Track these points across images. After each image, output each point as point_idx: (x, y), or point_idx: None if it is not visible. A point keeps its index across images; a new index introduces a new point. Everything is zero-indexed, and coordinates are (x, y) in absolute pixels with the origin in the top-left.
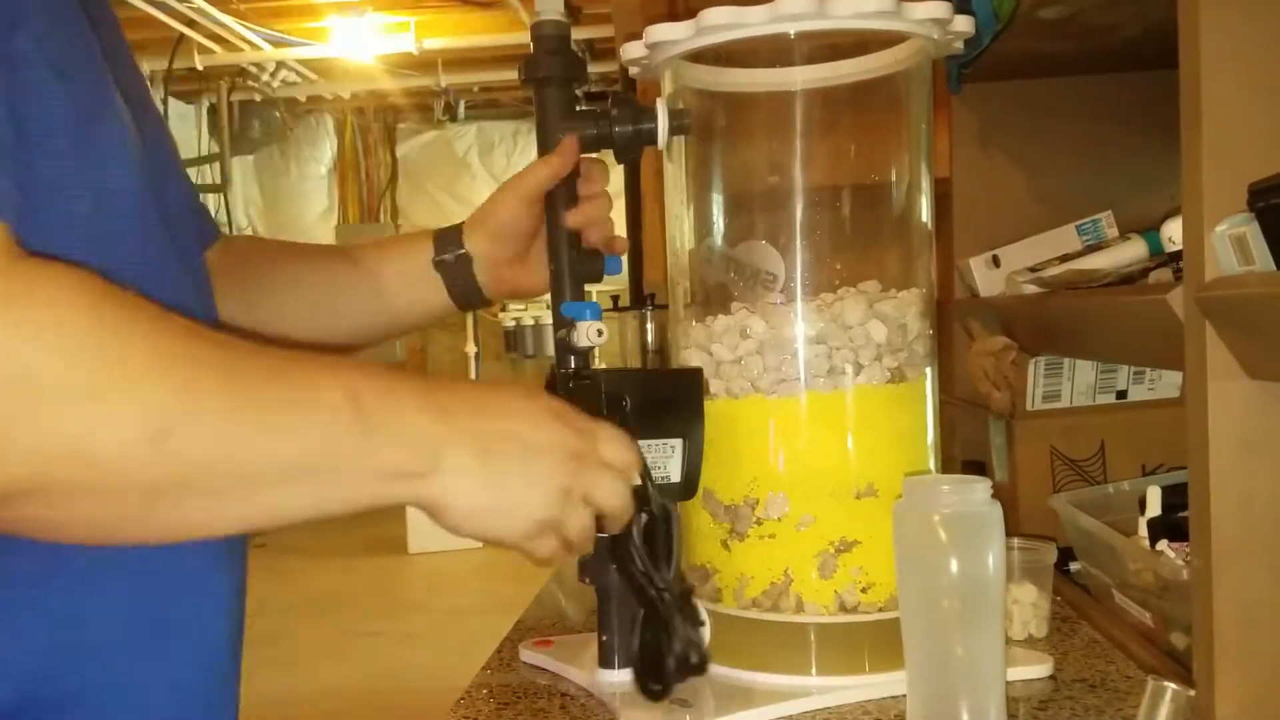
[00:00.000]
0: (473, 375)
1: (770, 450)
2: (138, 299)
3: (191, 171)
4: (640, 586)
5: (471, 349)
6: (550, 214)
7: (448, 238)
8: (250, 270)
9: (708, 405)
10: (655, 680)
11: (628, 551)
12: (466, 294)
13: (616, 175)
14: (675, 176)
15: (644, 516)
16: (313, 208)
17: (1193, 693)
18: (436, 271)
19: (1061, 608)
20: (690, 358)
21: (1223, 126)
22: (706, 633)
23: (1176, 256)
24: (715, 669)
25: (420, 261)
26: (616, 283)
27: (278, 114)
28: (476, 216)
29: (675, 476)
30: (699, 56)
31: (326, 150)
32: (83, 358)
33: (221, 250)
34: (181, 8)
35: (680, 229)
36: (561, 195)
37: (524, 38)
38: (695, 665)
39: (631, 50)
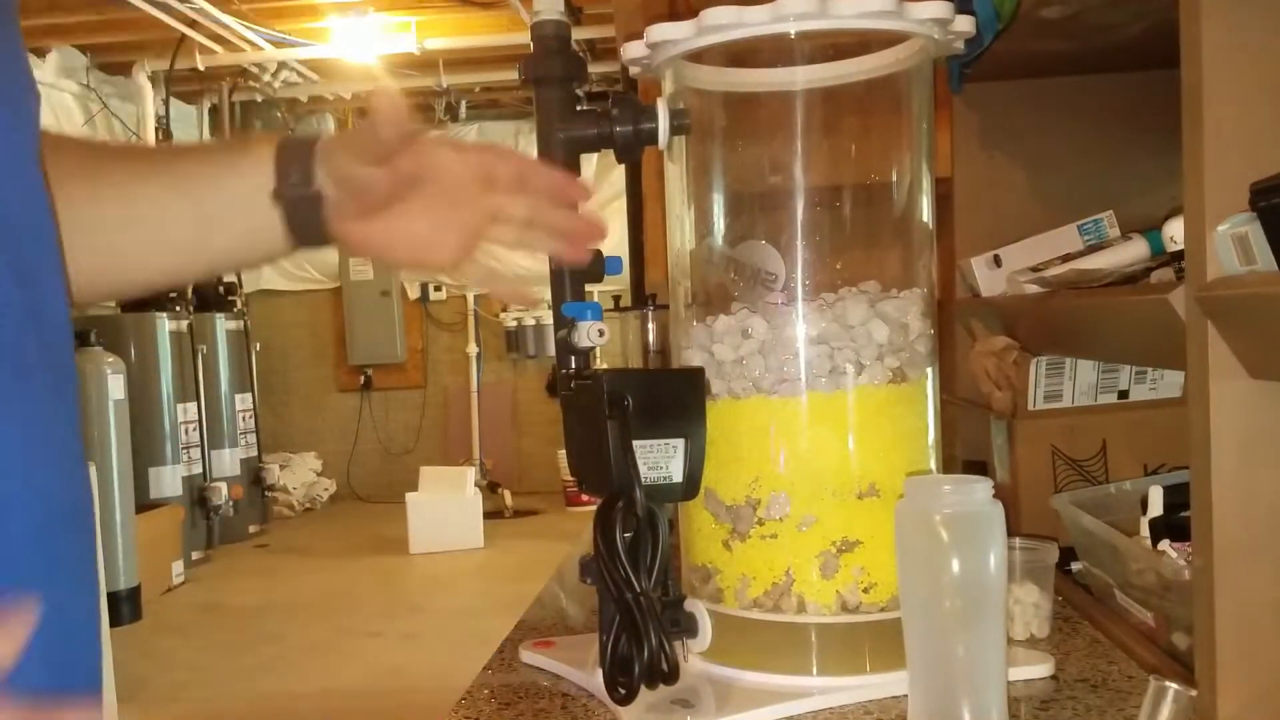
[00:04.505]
0: (474, 375)
1: (772, 450)
2: None
3: None
4: (618, 589)
5: (473, 349)
6: None
7: (291, 162)
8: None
9: (709, 405)
10: (623, 684)
11: (610, 553)
12: (309, 234)
13: (617, 175)
14: (676, 176)
15: (631, 520)
16: None
17: (1194, 693)
18: (275, 203)
19: (1063, 608)
20: (692, 358)
21: (1224, 126)
22: (706, 638)
23: (1178, 256)
24: (717, 669)
25: (259, 185)
26: (618, 283)
27: (279, 114)
28: (327, 156)
29: (677, 477)
30: (700, 56)
31: None
32: None
33: None
34: (183, 8)
35: (681, 229)
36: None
37: (525, 38)
38: (664, 673)
39: (632, 50)
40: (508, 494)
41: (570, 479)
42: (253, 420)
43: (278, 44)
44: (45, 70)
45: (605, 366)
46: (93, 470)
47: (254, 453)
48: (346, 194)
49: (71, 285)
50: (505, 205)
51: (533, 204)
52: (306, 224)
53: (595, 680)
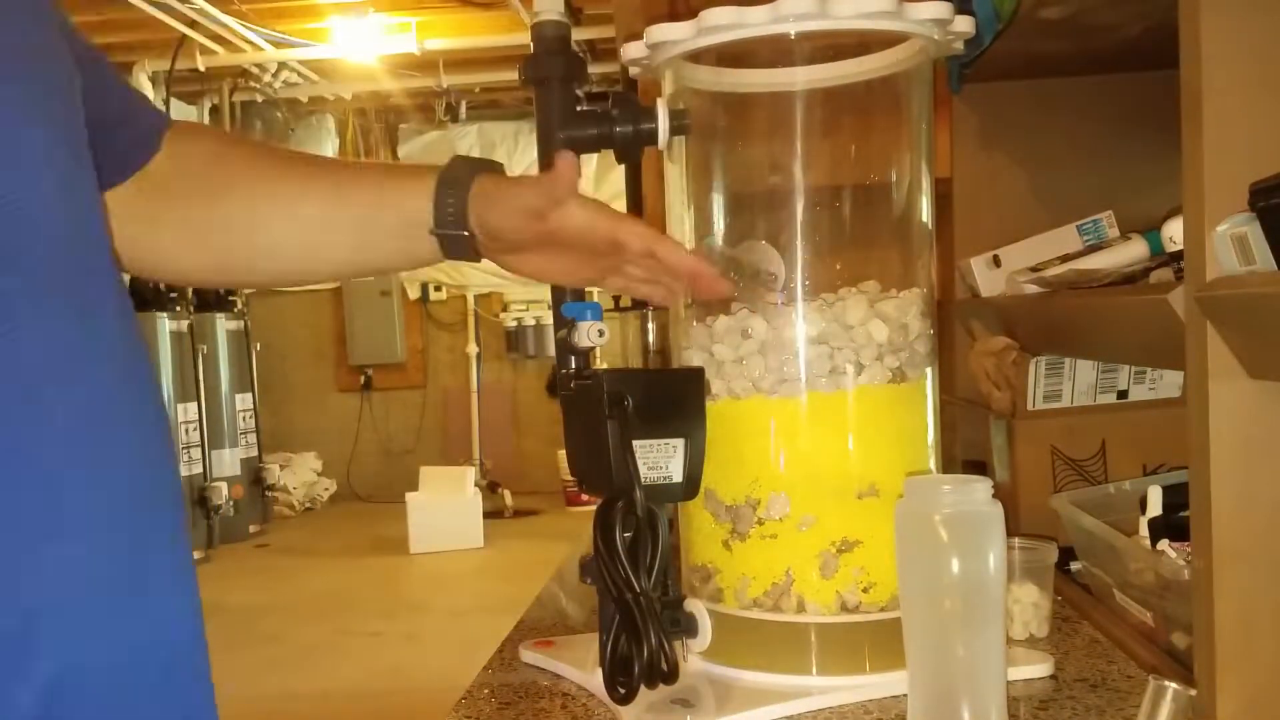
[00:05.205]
0: (474, 375)
1: (772, 450)
2: None
3: None
4: (618, 589)
5: (473, 349)
6: None
7: (447, 206)
8: (200, 184)
9: (709, 405)
10: (623, 684)
11: (610, 553)
12: (461, 256)
13: (617, 175)
14: (676, 177)
15: (631, 520)
16: None
17: (1194, 692)
18: (433, 237)
19: (1062, 607)
20: (692, 358)
21: (1223, 126)
22: (706, 638)
23: (1177, 256)
24: (717, 669)
25: (418, 222)
26: None
27: (280, 115)
28: (480, 206)
29: (677, 477)
30: (700, 57)
31: (328, 150)
32: None
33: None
34: (183, 9)
35: (681, 229)
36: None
37: (525, 38)
38: (663, 673)
39: (632, 50)
40: (508, 494)
41: (570, 479)
42: (253, 420)
43: (278, 44)
44: None
45: (605, 366)
46: None
47: (254, 452)
48: (494, 240)
49: (220, 272)
50: (626, 269)
51: (652, 270)
52: (459, 252)
53: (595, 680)
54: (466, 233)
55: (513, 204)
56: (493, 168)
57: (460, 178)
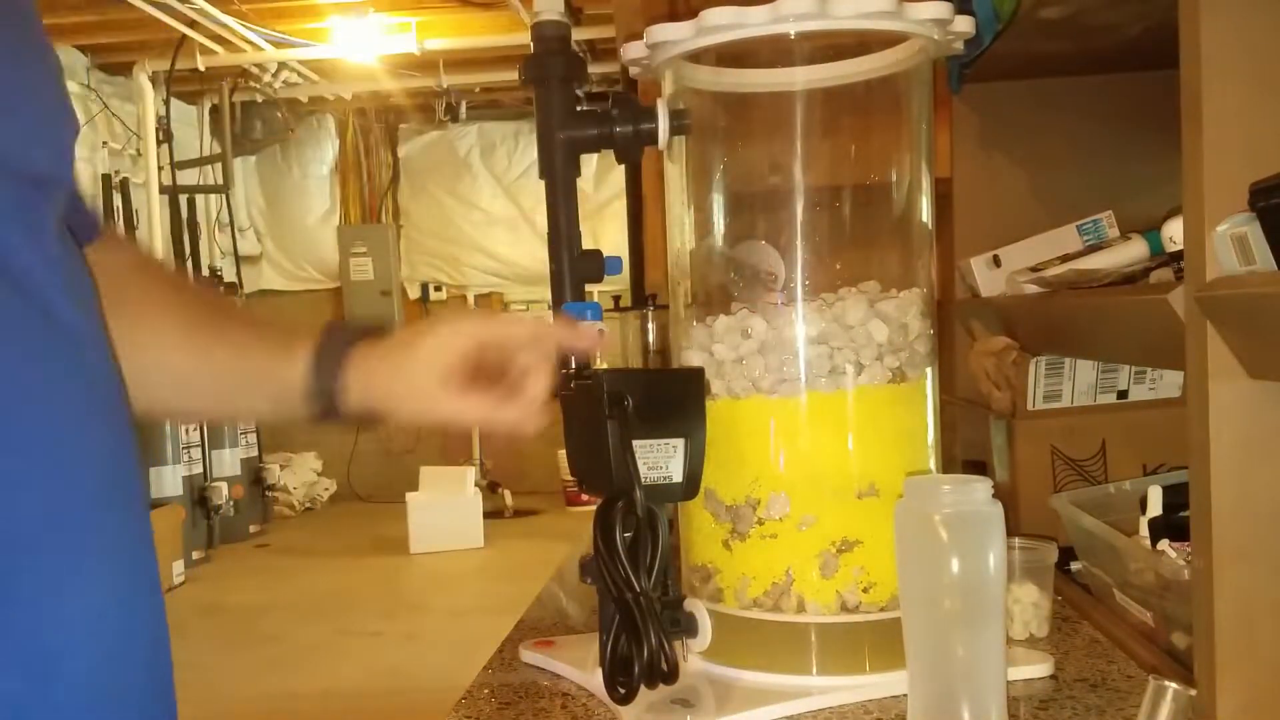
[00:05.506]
0: None
1: (772, 450)
2: None
3: (193, 173)
4: (618, 589)
5: None
6: (550, 214)
7: (325, 377)
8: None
9: (709, 405)
10: (623, 684)
11: (610, 553)
12: (336, 425)
13: (617, 175)
14: (676, 177)
15: (631, 520)
16: (314, 208)
17: (1194, 692)
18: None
19: (1062, 607)
20: (692, 358)
21: (1223, 126)
22: (706, 637)
23: (1177, 256)
24: (717, 669)
25: (294, 398)
26: (617, 283)
27: (279, 115)
28: (359, 395)
29: (677, 476)
30: (700, 57)
31: (328, 151)
32: None
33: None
34: (183, 9)
35: (681, 229)
36: (562, 201)
37: (525, 38)
38: (663, 673)
39: (632, 50)
40: (508, 494)
41: (570, 479)
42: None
43: (278, 44)
44: None
45: (605, 366)
46: None
47: (254, 452)
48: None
49: None
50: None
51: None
52: (334, 422)
53: (595, 680)
54: (338, 413)
55: (400, 412)
56: (369, 336)
57: (338, 354)
